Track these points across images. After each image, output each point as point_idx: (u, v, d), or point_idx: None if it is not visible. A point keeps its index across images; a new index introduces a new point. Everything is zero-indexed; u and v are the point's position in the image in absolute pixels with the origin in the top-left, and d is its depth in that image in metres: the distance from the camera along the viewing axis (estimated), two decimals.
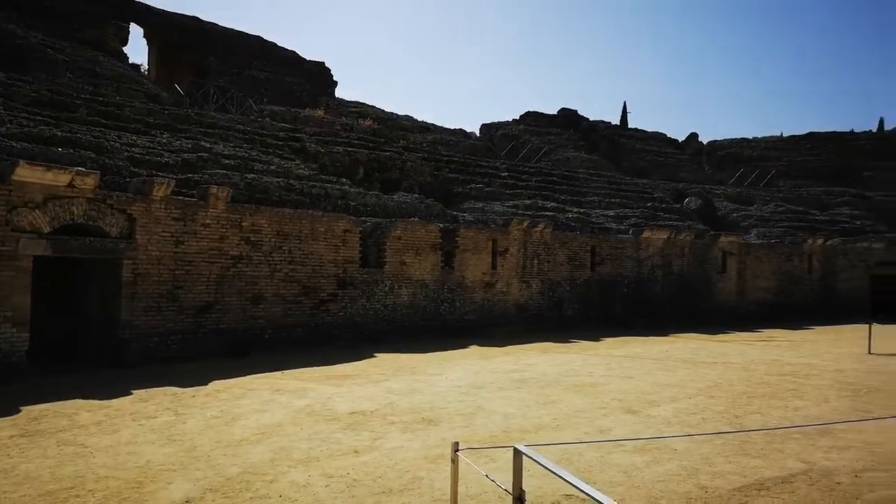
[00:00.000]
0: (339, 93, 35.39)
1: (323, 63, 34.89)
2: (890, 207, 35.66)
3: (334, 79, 35.18)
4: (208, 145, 17.41)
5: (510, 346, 15.00)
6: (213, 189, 13.09)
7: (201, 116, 20.54)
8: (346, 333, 15.19)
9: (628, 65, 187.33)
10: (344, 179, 19.72)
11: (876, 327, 16.92)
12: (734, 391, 9.52)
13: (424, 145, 28.04)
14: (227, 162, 16.76)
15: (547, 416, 7.71)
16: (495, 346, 15.06)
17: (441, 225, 18.29)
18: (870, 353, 14.41)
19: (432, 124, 34.61)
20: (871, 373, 11.46)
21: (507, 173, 27.45)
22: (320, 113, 27.08)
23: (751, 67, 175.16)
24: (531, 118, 41.09)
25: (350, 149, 22.32)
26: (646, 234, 23.04)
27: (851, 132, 50.33)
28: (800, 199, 34.73)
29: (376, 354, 13.12)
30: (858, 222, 32.15)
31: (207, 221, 12.94)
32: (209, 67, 28.85)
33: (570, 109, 42.36)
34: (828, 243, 27.29)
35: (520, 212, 22.61)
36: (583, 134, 40.26)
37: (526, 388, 9.58)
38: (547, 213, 23.29)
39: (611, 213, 26.07)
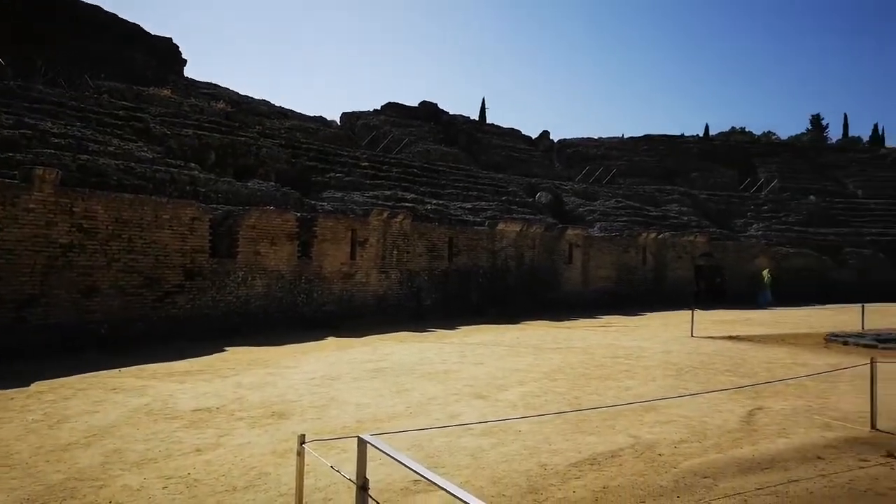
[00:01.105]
0: (190, 72, 33.35)
1: (170, 39, 32.67)
2: (712, 205, 39.78)
3: (183, 57, 33.06)
4: (33, 122, 15.69)
5: (368, 337, 14.99)
6: (39, 170, 11.85)
7: (26, 90, 18.47)
8: (195, 327, 14.40)
9: (488, 62, 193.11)
10: (193, 164, 18.63)
11: (697, 312, 18.87)
12: (575, 374, 10.19)
13: (282, 132, 27.17)
14: (56, 141, 15.21)
15: (401, 405, 7.80)
16: (353, 336, 14.98)
17: (298, 214, 17.85)
18: (692, 336, 15.99)
19: (291, 110, 33.63)
20: (692, 354, 12.74)
21: (367, 163, 27.32)
22: (167, 92, 25.33)
23: (598, 72, 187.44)
24: (392, 109, 41.17)
25: (200, 132, 21.12)
26: (500, 226, 23.95)
27: (682, 136, 55.51)
28: (637, 195, 37.72)
29: (227, 348, 12.57)
30: (686, 218, 35.53)
31: (31, 206, 11.71)
32: (37, 36, 25.97)
33: (431, 103, 42.94)
34: (659, 237, 29.89)
35: (380, 202, 22.62)
36: (443, 127, 40.98)
37: (381, 377, 9.63)
38: (407, 204, 23.49)
39: (468, 205, 26.80)
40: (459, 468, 5.43)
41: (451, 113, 43.19)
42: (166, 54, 31.74)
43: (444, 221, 22.88)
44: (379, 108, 41.33)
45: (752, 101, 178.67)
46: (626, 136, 52.58)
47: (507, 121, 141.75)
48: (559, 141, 48.23)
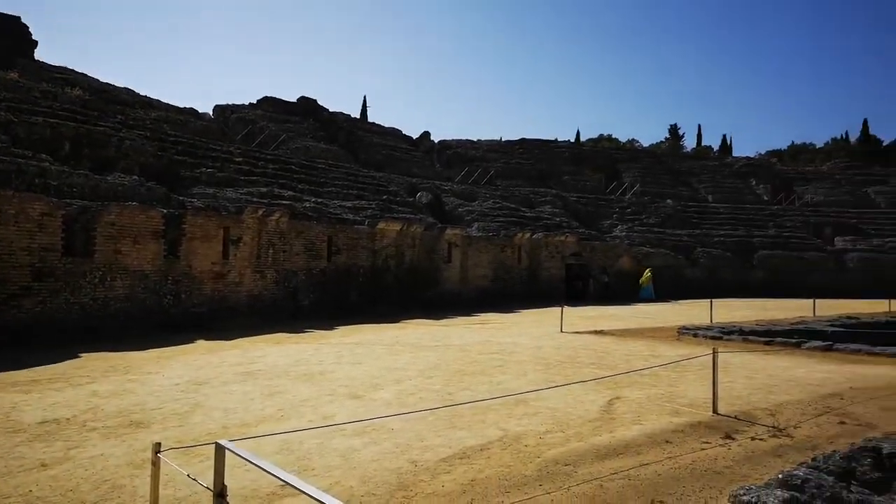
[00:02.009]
0: (41, 55, 30.53)
1: (18, 18, 29.74)
2: (581, 207, 41.96)
3: (33, 38, 30.20)
4: None
5: (241, 339, 14.45)
6: None
7: None
8: (45, 332, 13.23)
9: (369, 60, 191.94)
10: (44, 155, 17.09)
11: (567, 309, 19.86)
12: (450, 370, 10.38)
13: (148, 123, 25.56)
14: None
15: (272, 408, 7.59)
16: (225, 339, 14.37)
17: (165, 210, 16.88)
18: (561, 331, 16.78)
19: (157, 100, 31.69)
20: (561, 348, 13.38)
21: (241, 159, 26.33)
22: (13, 76, 23.05)
23: (478, 76, 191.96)
24: (269, 104, 39.94)
25: (53, 120, 19.41)
26: (381, 225, 23.93)
27: (555, 140, 58.07)
28: (513, 197, 39.05)
29: (82, 354, 11.64)
30: (558, 219, 37.23)
31: None
32: None
33: (311, 98, 42.10)
34: (534, 237, 31.12)
35: (255, 199, 21.87)
36: (322, 124, 40.29)
37: (252, 380, 9.32)
38: (284, 201, 22.88)
39: (348, 204, 26.54)
40: (330, 469, 5.37)
41: (331, 110, 42.58)
42: (14, 35, 28.86)
43: (323, 220, 22.51)
44: (255, 101, 39.92)
45: (619, 111, 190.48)
46: (503, 140, 54.34)
47: (389, 120, 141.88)
48: (439, 142, 48.94)
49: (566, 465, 5.53)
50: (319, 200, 25.26)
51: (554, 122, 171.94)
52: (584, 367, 10.83)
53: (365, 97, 76.32)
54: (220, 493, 3.14)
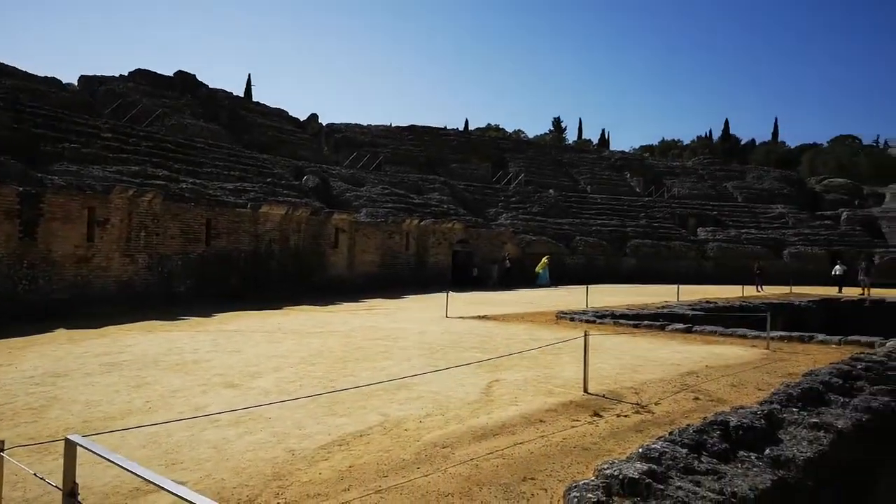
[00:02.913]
0: None
1: None
2: (468, 195, 42.69)
3: None
4: None
5: (108, 327, 13.51)
6: None
7: None
8: None
9: (254, 35, 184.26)
10: None
11: (453, 294, 20.20)
12: (333, 357, 10.26)
13: (1, 92, 23.16)
14: None
15: (139, 400, 7.17)
16: (90, 327, 13.38)
17: (21, 188, 15.43)
18: (447, 316, 17.05)
19: (14, 68, 28.79)
20: (445, 333, 13.59)
21: (111, 135, 24.54)
22: None
23: (369, 61, 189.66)
24: (142, 77, 37.33)
25: None
26: (264, 208, 23.16)
27: (444, 128, 58.62)
28: (402, 183, 39.06)
29: None
30: (445, 206, 37.67)
31: None
32: None
33: (189, 73, 39.79)
34: (421, 223, 31.32)
35: (125, 179, 20.48)
36: (202, 101, 38.27)
37: (118, 371, 8.75)
38: (158, 181, 21.60)
39: (230, 185, 25.46)
40: (200, 462, 5.15)
41: (211, 86, 40.50)
42: None
43: (201, 202, 21.44)
44: (126, 74, 37.19)
45: (506, 102, 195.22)
46: (393, 125, 54.08)
47: (275, 100, 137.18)
48: (328, 125, 47.96)
49: (444, 447, 5.63)
50: (198, 181, 24.04)
51: (443, 110, 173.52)
52: (466, 352, 11.06)
53: (249, 75, 73.39)
54: (70, 493, 2.91)
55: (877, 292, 31.74)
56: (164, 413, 6.63)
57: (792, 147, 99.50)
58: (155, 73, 38.22)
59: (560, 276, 36.16)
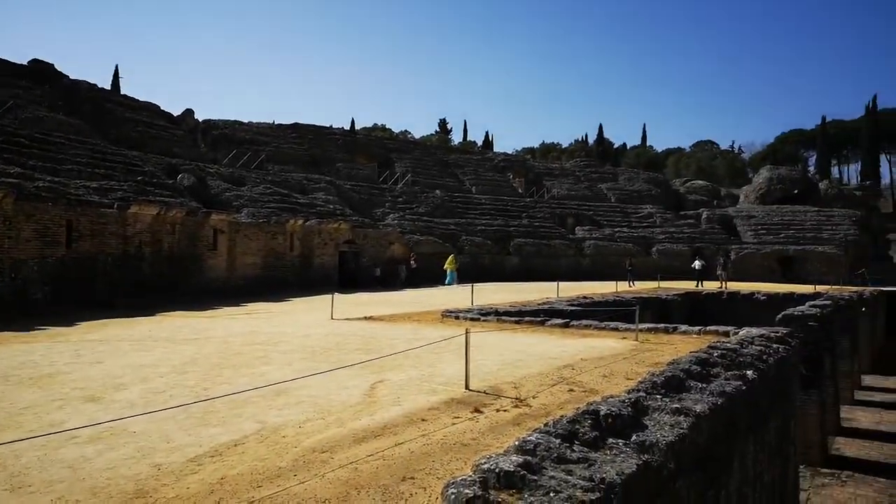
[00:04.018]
0: None
1: None
2: (355, 195, 42.30)
3: None
4: None
5: None
6: None
7: None
8: None
9: (122, 24, 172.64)
10: None
11: (341, 296, 19.90)
12: (209, 364, 9.78)
13: None
14: None
15: None
16: None
17: None
18: (332, 318, 16.76)
19: None
20: (329, 336, 13.34)
21: None
22: None
23: (249, 55, 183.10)
24: None
25: None
26: (133, 209, 21.75)
27: (330, 127, 57.75)
28: (285, 182, 38.03)
29: None
30: (331, 206, 37.10)
31: None
32: None
33: (46, 62, 36.58)
34: (306, 224, 30.66)
35: None
36: (62, 93, 35.33)
37: None
38: (11, 179, 19.67)
39: (94, 184, 23.67)
40: (52, 483, 4.71)
41: (72, 77, 37.49)
42: None
43: (60, 202, 19.78)
44: None
45: (392, 103, 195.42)
46: (275, 123, 52.53)
47: (147, 94, 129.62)
48: (205, 121, 45.82)
49: (323, 452, 5.50)
50: (57, 180, 22.15)
51: (328, 109, 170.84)
52: (350, 353, 10.91)
53: (117, 67, 68.41)
54: None
55: (733, 285, 34.74)
56: (12, 432, 6.01)
57: (659, 151, 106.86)
58: (5, 60, 34.79)
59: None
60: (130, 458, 5.28)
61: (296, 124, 52.02)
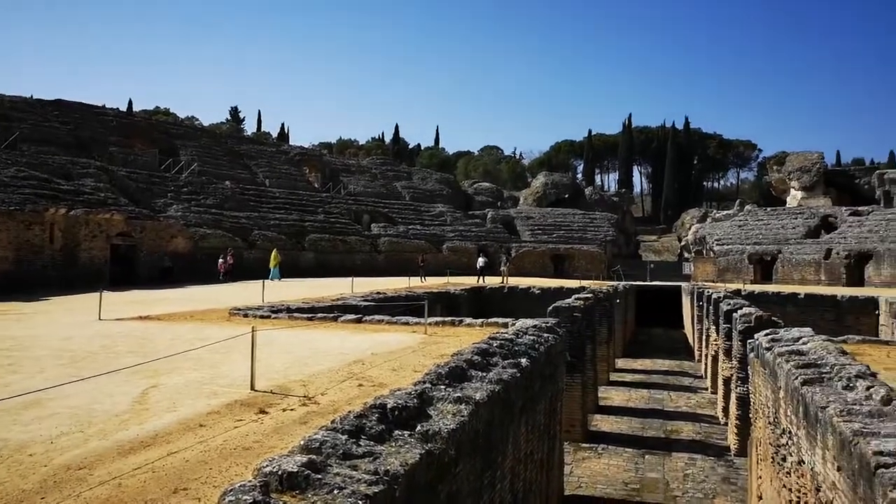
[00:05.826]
0: None
1: None
2: (132, 183, 38.53)
3: None
4: None
5: None
6: None
7: None
8: None
9: None
10: None
11: (113, 294, 17.93)
12: None
13: None
14: None
15: None
16: None
17: None
18: (100, 319, 15.07)
19: None
20: (95, 338, 11.97)
21: None
22: None
23: None
24: None
25: None
26: None
27: (102, 107, 51.93)
28: (45, 165, 33.45)
29: None
30: (103, 195, 33.40)
31: None
32: None
33: None
34: (71, 213, 27.24)
35: None
36: None
37: None
38: None
39: None
40: None
41: None
42: None
43: None
44: None
45: (177, 85, 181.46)
46: (34, 98, 45.93)
47: None
48: None
49: (81, 468, 4.91)
50: None
51: (101, 87, 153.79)
52: (120, 357, 9.89)
53: None
54: None
55: (513, 280, 37.59)
56: None
57: (450, 153, 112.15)
58: None
59: (237, 272, 34.89)
60: None
61: (59, 101, 45.95)
